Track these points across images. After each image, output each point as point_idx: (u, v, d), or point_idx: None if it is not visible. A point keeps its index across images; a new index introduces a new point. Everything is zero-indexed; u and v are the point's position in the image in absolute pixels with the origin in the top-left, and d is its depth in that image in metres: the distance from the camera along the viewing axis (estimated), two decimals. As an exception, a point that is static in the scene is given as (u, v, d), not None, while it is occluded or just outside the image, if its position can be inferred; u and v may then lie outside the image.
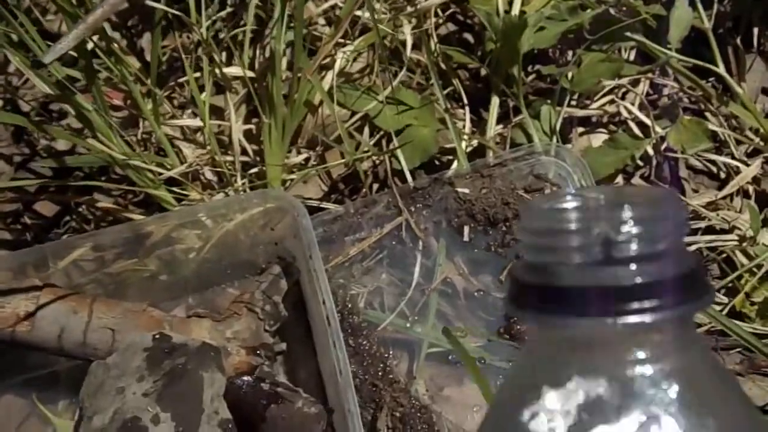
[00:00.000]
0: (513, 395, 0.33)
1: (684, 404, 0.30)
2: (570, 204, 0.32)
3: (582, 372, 0.31)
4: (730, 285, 0.79)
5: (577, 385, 0.30)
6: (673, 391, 0.30)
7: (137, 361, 0.65)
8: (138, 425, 0.61)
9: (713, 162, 0.87)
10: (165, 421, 0.61)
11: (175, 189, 0.79)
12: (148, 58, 0.88)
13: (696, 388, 0.31)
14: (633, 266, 0.29)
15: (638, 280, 0.29)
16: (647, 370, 0.30)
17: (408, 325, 0.76)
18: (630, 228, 0.29)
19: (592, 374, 0.30)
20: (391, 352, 0.76)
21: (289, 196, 0.71)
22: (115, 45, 0.80)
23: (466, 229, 0.78)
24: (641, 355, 0.30)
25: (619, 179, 0.85)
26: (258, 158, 0.81)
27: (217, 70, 0.80)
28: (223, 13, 0.88)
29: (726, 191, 0.83)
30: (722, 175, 0.87)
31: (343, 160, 0.81)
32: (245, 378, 0.68)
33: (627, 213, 0.29)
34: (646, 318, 0.29)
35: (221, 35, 0.87)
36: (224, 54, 0.86)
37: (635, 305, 0.29)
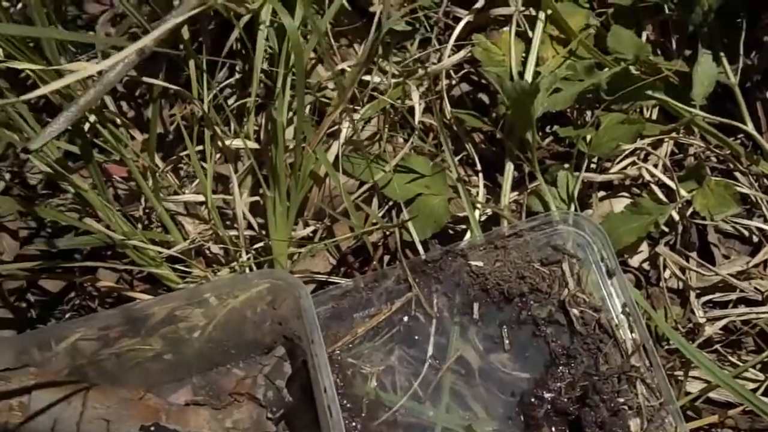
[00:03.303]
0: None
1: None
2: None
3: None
4: (766, 360, 0.74)
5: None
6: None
7: (130, 456, 0.62)
8: None
9: (744, 226, 0.82)
10: None
11: (178, 266, 0.77)
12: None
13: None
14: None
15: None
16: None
17: (421, 407, 0.72)
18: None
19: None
20: (403, 437, 0.72)
21: (290, 277, 0.67)
22: (117, 120, 0.79)
23: (476, 306, 0.74)
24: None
25: (644, 247, 0.80)
26: (263, 232, 0.79)
27: (219, 143, 0.78)
28: (232, 80, 0.86)
29: (758, 258, 0.78)
30: (755, 239, 0.82)
31: (351, 234, 0.78)
32: (245, 472, 0.65)
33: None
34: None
35: (230, 102, 0.85)
36: (232, 124, 0.83)
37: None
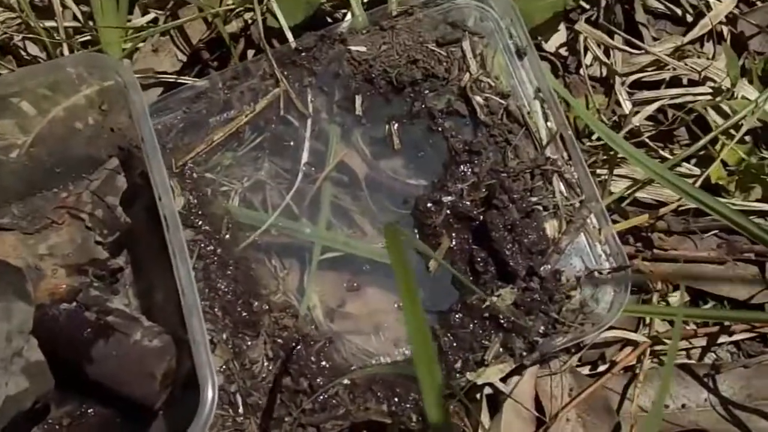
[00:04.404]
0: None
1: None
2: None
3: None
4: (702, 152, 0.63)
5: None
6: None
7: None
8: None
9: (677, 2, 0.69)
10: (-67, 371, 0.45)
11: (-19, 67, 0.60)
12: None
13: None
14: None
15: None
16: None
17: (296, 225, 0.59)
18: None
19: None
20: (274, 262, 0.59)
21: (109, 58, 0.52)
22: None
23: (359, 99, 0.60)
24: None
25: (561, 27, 0.67)
26: (92, 22, 0.62)
27: None
28: None
29: (694, 33, 0.65)
30: (689, 19, 0.69)
31: (200, 14, 0.63)
32: (64, 306, 0.51)
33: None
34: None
35: None
36: None
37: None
